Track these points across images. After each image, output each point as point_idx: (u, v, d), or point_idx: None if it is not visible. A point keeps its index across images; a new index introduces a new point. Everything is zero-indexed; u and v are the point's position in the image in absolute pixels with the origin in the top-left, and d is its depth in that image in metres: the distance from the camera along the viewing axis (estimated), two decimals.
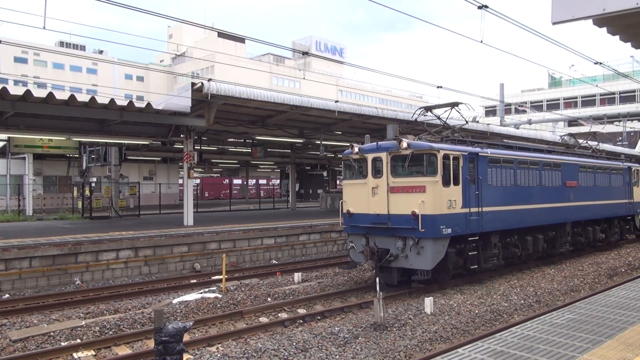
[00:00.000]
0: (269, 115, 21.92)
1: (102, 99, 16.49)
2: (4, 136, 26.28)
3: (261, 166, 53.22)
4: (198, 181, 56.85)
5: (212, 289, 13.28)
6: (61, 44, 69.83)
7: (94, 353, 8.76)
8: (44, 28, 12.38)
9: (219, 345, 9.09)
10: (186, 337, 8.74)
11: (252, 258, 18.03)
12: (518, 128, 33.86)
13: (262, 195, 49.24)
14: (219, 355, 8.13)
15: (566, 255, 18.29)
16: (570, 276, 14.90)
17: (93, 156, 26.89)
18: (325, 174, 50.27)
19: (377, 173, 12.65)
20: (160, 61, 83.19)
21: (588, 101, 60.14)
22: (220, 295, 12.30)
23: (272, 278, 15.01)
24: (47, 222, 23.59)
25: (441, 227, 11.81)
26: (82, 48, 70.87)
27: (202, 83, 15.95)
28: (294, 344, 8.57)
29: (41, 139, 27.13)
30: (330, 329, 9.46)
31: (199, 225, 19.84)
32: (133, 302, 12.10)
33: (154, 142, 23.75)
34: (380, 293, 9.71)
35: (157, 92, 61.31)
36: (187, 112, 17.62)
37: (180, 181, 51.68)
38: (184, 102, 16.77)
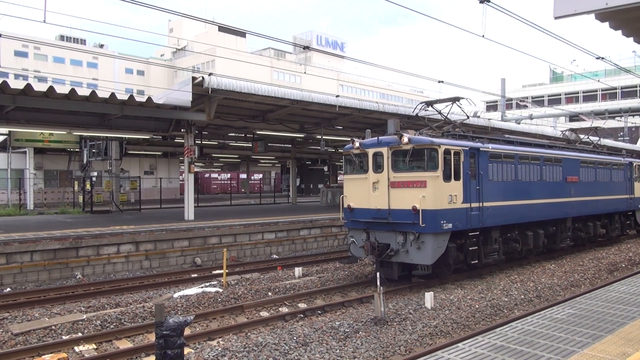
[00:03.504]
0: (269, 109, 21.89)
1: (102, 93, 16.46)
2: (5, 130, 26.25)
3: (262, 161, 53.22)
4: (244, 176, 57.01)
5: (212, 283, 13.31)
6: (62, 37, 69.61)
7: (95, 347, 8.80)
8: (45, 22, 12.32)
9: (220, 339, 9.12)
10: (187, 331, 8.77)
11: (253, 252, 18.06)
12: (519, 123, 33.82)
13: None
14: (219, 349, 8.15)
15: (567, 250, 18.30)
16: (571, 271, 14.92)
17: (94, 150, 26.89)
18: (325, 168, 50.27)
19: (378, 168, 12.64)
20: (161, 55, 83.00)
21: (589, 96, 59.96)
22: (221, 290, 12.33)
23: (273, 272, 15.04)
24: (48, 216, 23.63)
25: (442, 222, 11.81)
26: (83, 42, 70.71)
27: (202, 77, 15.92)
28: (295, 338, 8.60)
29: (42, 133, 27.12)
30: (330, 323, 9.48)
31: (199, 220, 19.85)
32: (134, 296, 12.14)
33: (154, 137, 23.71)
34: (381, 288, 9.72)
35: (158, 86, 61.22)
36: (188, 107, 17.60)
37: (212, 174, 50.11)
38: (184, 97, 16.74)
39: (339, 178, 45.86)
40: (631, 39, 7.66)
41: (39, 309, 10.91)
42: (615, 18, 6.45)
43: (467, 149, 12.77)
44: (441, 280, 13.16)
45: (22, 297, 12.03)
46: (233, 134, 28.39)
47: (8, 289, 12.77)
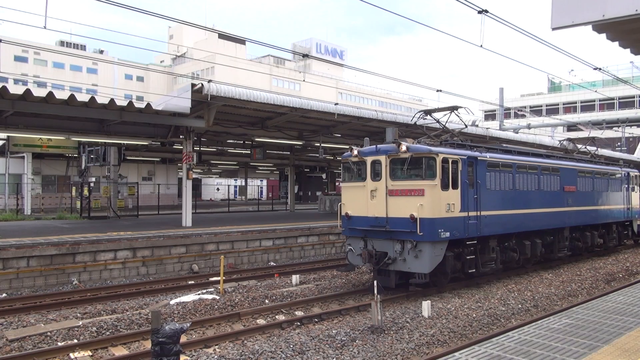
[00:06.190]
0: (268, 117, 21.94)
1: (101, 99, 16.49)
2: (3, 135, 26.27)
3: (260, 168, 53.24)
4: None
5: (209, 290, 13.27)
6: (62, 43, 69.80)
7: (90, 353, 8.75)
8: (45, 27, 12.39)
9: (216, 346, 9.09)
10: (183, 338, 8.74)
11: (250, 260, 18.02)
12: (517, 132, 33.91)
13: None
14: (215, 356, 8.13)
15: (564, 260, 18.29)
16: (568, 281, 14.92)
17: (92, 156, 26.86)
18: (324, 176, 50.32)
19: (376, 176, 12.66)
20: (161, 62, 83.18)
21: (587, 106, 60.27)
22: (217, 297, 12.29)
23: (270, 280, 15.01)
24: (45, 221, 23.56)
25: (439, 230, 11.82)
26: (83, 48, 70.84)
27: (202, 84, 15.96)
28: (291, 346, 8.57)
29: (40, 138, 27.11)
30: (327, 331, 9.46)
31: (197, 227, 19.82)
32: (130, 302, 12.09)
33: (153, 143, 23.75)
34: (378, 296, 9.70)
35: (157, 92, 61.34)
36: (187, 113, 17.62)
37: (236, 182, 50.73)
38: (183, 103, 16.78)
39: (337, 185, 45.89)
40: (628, 50, 7.72)
41: (35, 315, 10.86)
42: (612, 30, 6.51)
43: (465, 157, 12.80)
44: (438, 289, 13.15)
45: (17, 302, 11.96)
46: (232, 141, 28.44)
47: (4, 295, 12.70)
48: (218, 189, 43.38)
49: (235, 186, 61.40)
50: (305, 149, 31.63)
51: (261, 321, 10.84)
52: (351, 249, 13.25)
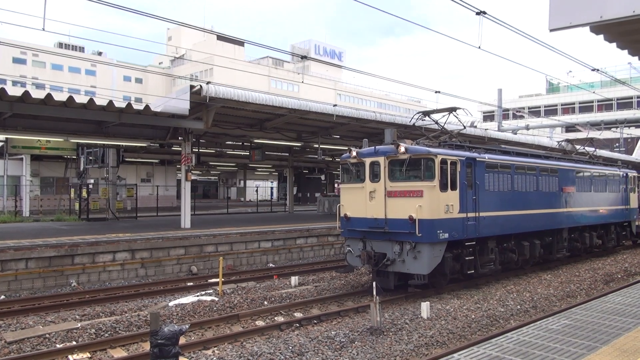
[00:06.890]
0: (267, 118, 21.95)
1: (100, 101, 16.48)
2: (2, 137, 26.19)
3: (259, 169, 53.25)
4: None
5: (208, 291, 13.26)
6: (60, 45, 69.79)
7: (89, 355, 8.74)
8: (43, 29, 12.38)
9: (215, 348, 9.08)
10: (182, 340, 8.73)
11: (249, 261, 18.01)
12: (516, 133, 33.92)
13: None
14: (214, 358, 8.12)
15: (563, 260, 18.31)
16: (567, 282, 14.93)
17: (91, 158, 26.86)
18: (323, 177, 50.33)
19: (375, 177, 12.67)
20: (159, 63, 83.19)
21: (585, 107, 60.38)
22: (216, 298, 12.28)
23: (269, 281, 15.00)
24: (44, 223, 23.53)
25: (438, 231, 11.82)
26: (81, 49, 70.87)
27: (200, 86, 15.97)
28: (290, 347, 8.57)
29: (39, 140, 27.05)
30: (326, 332, 9.45)
31: (196, 228, 19.81)
32: (129, 304, 12.08)
33: (151, 144, 23.75)
34: (377, 297, 9.70)
35: (156, 94, 61.32)
36: (186, 115, 17.62)
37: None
38: (182, 105, 16.77)
39: (335, 187, 45.90)
40: (626, 51, 7.72)
41: (33, 317, 10.84)
42: (609, 31, 6.51)
43: (463, 158, 12.81)
44: (437, 290, 13.15)
45: (16, 304, 11.94)
46: (230, 142, 28.44)
47: (2, 297, 12.69)
48: (257, 190, 45.29)
49: (272, 187, 63.29)
50: (304, 150, 31.64)
51: (260, 323, 10.84)
52: (350, 250, 13.25)
